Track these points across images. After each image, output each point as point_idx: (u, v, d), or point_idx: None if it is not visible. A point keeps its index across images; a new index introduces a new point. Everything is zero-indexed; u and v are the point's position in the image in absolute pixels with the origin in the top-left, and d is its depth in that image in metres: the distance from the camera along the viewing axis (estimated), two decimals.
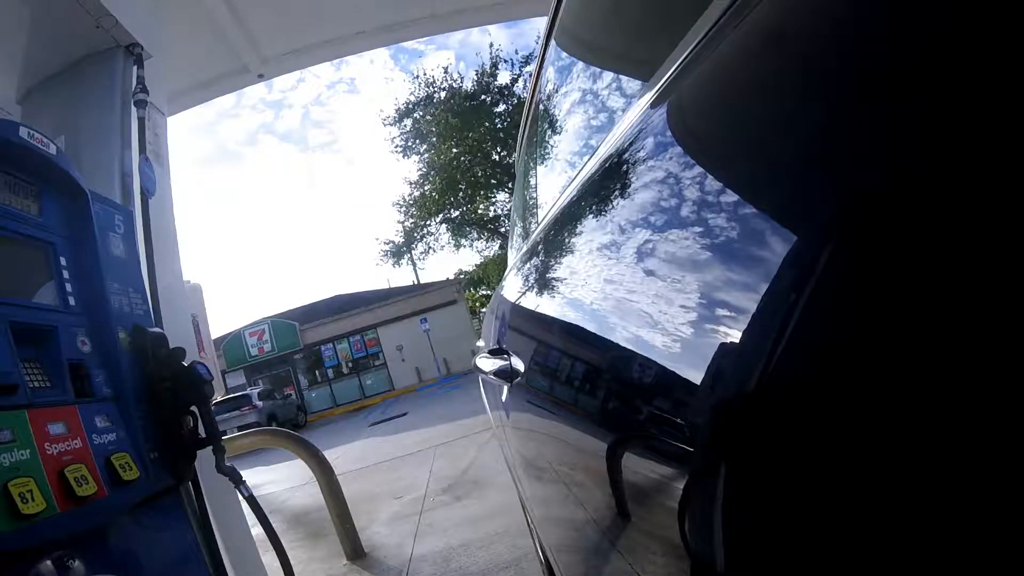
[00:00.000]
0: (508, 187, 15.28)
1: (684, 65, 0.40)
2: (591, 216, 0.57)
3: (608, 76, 0.73)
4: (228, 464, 1.28)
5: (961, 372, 0.16)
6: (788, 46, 0.27)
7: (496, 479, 3.11)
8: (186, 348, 1.23)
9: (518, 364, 0.85)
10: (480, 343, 1.53)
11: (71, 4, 1.38)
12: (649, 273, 0.38)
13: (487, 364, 1.18)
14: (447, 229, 16.99)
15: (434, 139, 15.73)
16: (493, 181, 16.17)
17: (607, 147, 0.56)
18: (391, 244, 18.43)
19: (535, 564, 1.99)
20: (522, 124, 1.42)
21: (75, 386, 0.92)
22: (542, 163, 1.11)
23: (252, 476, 6.29)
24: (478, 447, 4.23)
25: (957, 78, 0.17)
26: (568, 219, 0.68)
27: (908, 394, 0.17)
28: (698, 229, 0.32)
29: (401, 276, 32.63)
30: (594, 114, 0.73)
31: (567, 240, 0.66)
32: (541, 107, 1.14)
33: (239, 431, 3.97)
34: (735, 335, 0.26)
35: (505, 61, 15.75)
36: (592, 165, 0.61)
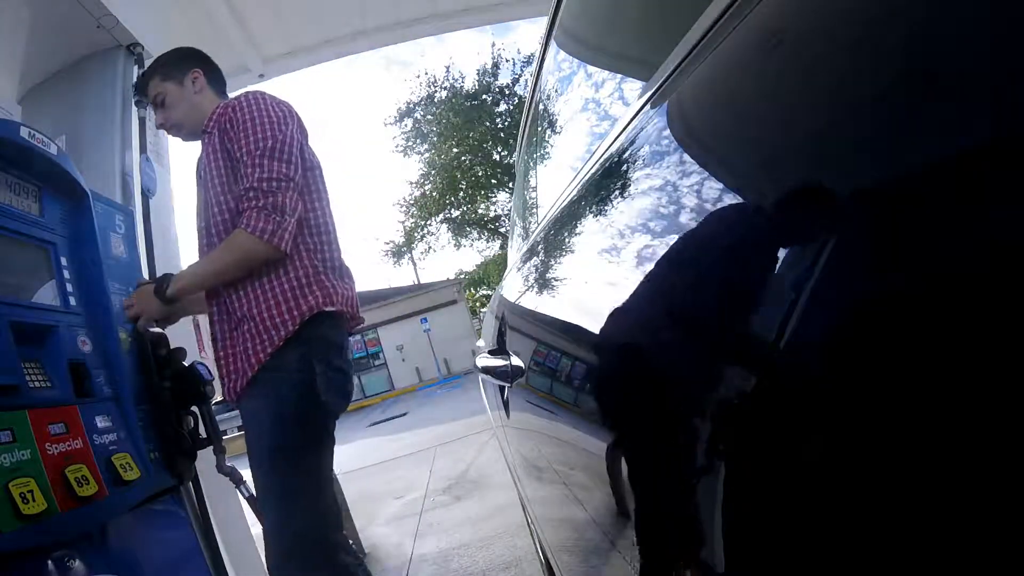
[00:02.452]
0: (508, 187, 15.28)
1: (684, 65, 0.40)
2: (591, 216, 0.57)
3: (608, 76, 0.73)
4: (228, 464, 1.28)
5: (964, 374, 0.16)
6: (788, 46, 0.27)
7: (496, 479, 3.11)
8: (186, 348, 1.23)
9: (518, 364, 0.85)
10: (480, 343, 1.53)
11: (72, 4, 1.38)
12: (649, 273, 0.38)
13: (487, 364, 1.18)
14: (447, 229, 17.01)
15: (435, 138, 15.74)
16: (494, 181, 16.17)
17: (607, 147, 0.56)
18: (391, 244, 18.45)
19: (535, 564, 1.99)
20: (522, 124, 1.42)
21: (76, 386, 0.92)
22: (542, 163, 1.11)
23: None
24: (478, 447, 4.22)
25: (958, 77, 0.17)
26: (568, 219, 0.68)
27: (910, 394, 0.17)
28: (698, 229, 0.32)
29: (401, 276, 32.62)
30: (594, 114, 0.73)
31: (567, 240, 0.66)
32: (541, 107, 1.14)
33: (239, 431, 3.97)
34: (735, 335, 0.26)
35: (507, 60, 15.70)
36: (592, 165, 0.61)
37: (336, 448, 1.17)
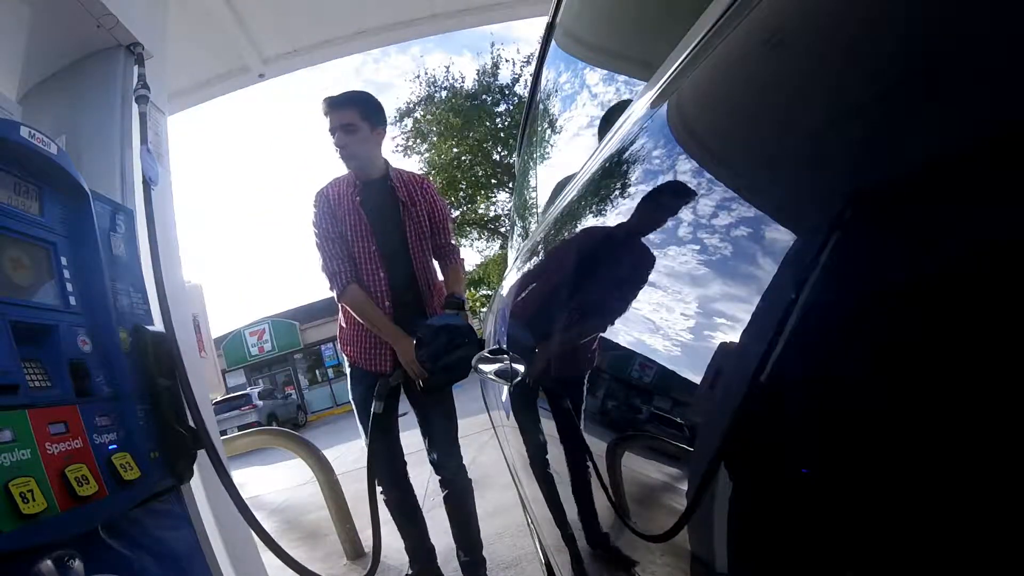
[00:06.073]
0: (508, 187, 15.27)
1: (684, 65, 0.40)
2: (591, 216, 0.57)
3: (608, 76, 0.73)
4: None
5: (967, 376, 0.16)
6: (788, 46, 0.27)
7: (496, 479, 3.11)
8: (186, 348, 1.23)
9: (518, 364, 0.85)
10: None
11: (71, 4, 1.38)
12: (649, 272, 0.38)
13: (487, 364, 1.18)
14: None
15: (435, 138, 15.72)
16: (494, 181, 16.15)
17: (607, 147, 0.56)
18: None
19: (535, 564, 1.99)
20: (522, 124, 1.42)
21: (76, 385, 0.92)
22: (542, 163, 1.11)
23: (252, 475, 6.30)
24: (478, 447, 4.22)
25: (959, 77, 0.17)
26: (568, 219, 0.68)
27: (914, 395, 0.17)
28: (698, 229, 0.32)
29: None
30: (594, 114, 0.73)
31: (567, 240, 0.66)
32: (541, 107, 1.14)
33: (239, 431, 3.97)
34: (735, 335, 0.26)
35: (507, 60, 15.68)
36: (592, 165, 0.61)
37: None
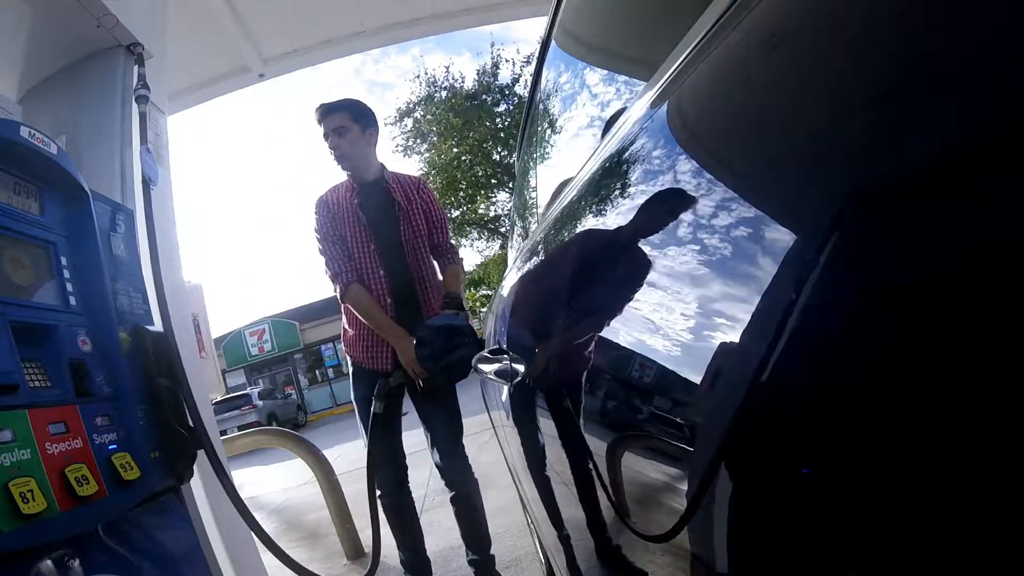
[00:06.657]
0: (508, 187, 15.26)
1: (684, 65, 0.40)
2: (591, 216, 0.57)
3: (608, 76, 0.73)
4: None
5: (967, 376, 0.16)
6: (788, 46, 0.27)
7: (496, 479, 3.10)
8: (186, 348, 1.23)
9: (518, 364, 0.85)
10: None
11: (71, 4, 1.38)
12: (648, 272, 0.38)
13: (487, 364, 1.18)
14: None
15: (434, 138, 15.71)
16: (494, 181, 16.14)
17: (607, 147, 0.56)
18: None
19: (535, 564, 1.99)
20: (522, 124, 1.42)
21: (76, 385, 0.92)
22: (542, 163, 1.11)
23: (251, 475, 6.30)
24: (478, 447, 4.22)
25: (959, 77, 0.17)
26: (568, 219, 0.68)
27: (914, 395, 0.17)
28: (698, 229, 0.32)
29: None
30: (594, 114, 0.73)
31: (567, 240, 0.66)
32: (541, 107, 1.14)
33: (239, 430, 3.97)
34: (736, 335, 0.26)
35: (507, 60, 15.68)
36: (592, 165, 0.61)
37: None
